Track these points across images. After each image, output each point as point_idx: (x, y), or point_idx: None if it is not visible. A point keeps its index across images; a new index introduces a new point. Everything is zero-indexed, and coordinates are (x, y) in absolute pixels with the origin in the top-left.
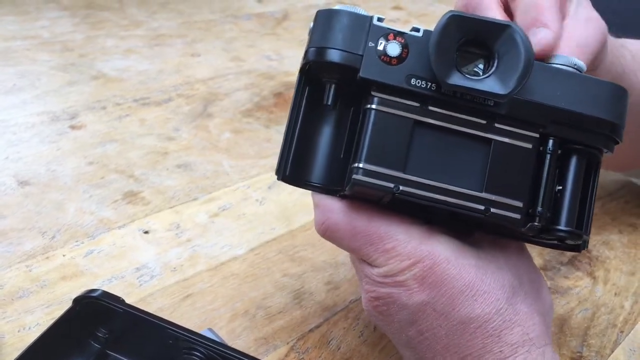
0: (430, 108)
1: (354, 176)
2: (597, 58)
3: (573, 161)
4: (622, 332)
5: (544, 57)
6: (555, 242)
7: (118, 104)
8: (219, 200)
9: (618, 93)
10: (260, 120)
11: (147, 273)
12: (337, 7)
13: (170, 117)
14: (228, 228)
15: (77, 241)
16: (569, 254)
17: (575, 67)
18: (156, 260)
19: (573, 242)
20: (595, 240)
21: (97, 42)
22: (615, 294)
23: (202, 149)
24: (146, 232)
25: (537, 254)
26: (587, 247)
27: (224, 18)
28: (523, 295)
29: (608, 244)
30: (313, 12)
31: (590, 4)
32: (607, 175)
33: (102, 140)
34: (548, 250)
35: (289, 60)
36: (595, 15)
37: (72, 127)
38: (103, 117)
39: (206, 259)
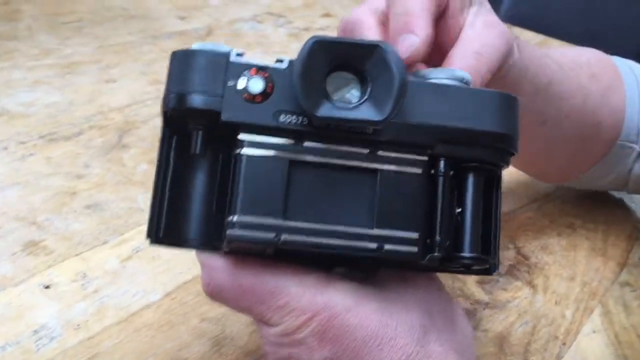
0: (306, 144)
1: (228, 232)
2: (504, 64)
3: (470, 180)
4: (564, 344)
5: (412, 65)
6: (462, 268)
7: (22, 143)
8: (132, 241)
9: (507, 102)
10: None
11: (47, 335)
12: (194, 46)
13: (81, 152)
14: (142, 271)
15: None
16: (507, 262)
17: (462, 80)
18: (57, 318)
19: (480, 267)
20: (533, 246)
21: (1, 75)
22: (556, 302)
23: (115, 185)
24: (47, 287)
25: None
26: (497, 270)
27: (143, 39)
28: (436, 333)
29: (547, 249)
30: (239, 27)
31: (491, 10)
32: None
33: (2, 186)
34: None
35: None
36: (495, 20)
37: None
38: (4, 158)
39: (115, 311)
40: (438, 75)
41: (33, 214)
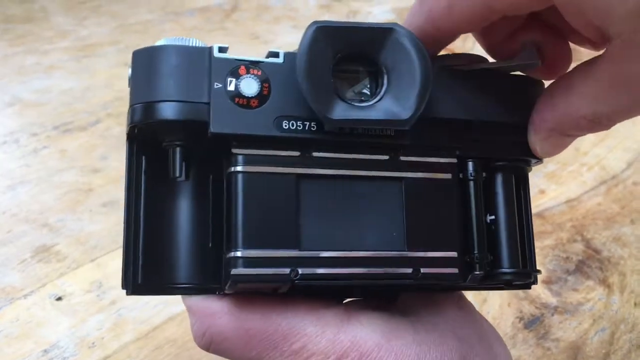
0: (315, 154)
1: (233, 271)
2: None
3: (499, 182)
4: None
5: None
6: (501, 285)
7: (34, 135)
8: None
9: (536, 88)
10: None
11: (58, 355)
12: (160, 41)
13: (97, 143)
14: None
15: None
16: (575, 258)
17: None
18: (70, 335)
19: (522, 282)
20: (604, 237)
21: (13, 62)
22: (635, 304)
23: None
24: (59, 299)
25: (539, 263)
26: (536, 282)
27: (164, 17)
28: None
29: (620, 240)
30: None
31: None
32: (608, 153)
33: (12, 183)
34: (550, 257)
35: None
36: None
37: None
38: (15, 152)
39: (134, 325)
40: (453, 62)
41: (45, 214)
